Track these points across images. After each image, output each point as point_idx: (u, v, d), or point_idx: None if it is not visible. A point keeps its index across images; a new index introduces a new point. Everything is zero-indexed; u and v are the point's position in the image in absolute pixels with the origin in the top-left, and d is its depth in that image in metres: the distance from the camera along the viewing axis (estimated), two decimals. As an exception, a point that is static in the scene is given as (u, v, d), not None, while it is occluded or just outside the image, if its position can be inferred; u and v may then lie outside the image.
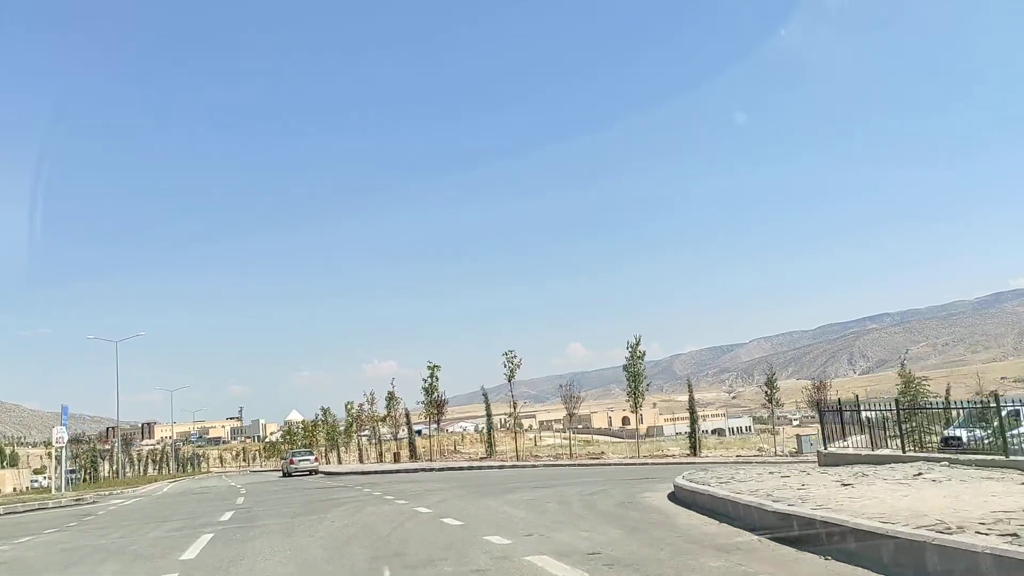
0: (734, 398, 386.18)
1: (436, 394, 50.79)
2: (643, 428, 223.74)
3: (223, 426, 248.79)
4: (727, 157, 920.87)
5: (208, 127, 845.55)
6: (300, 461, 45.14)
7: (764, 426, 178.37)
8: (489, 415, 49.65)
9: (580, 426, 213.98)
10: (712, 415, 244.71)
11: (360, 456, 65.32)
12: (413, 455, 54.00)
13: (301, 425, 74.91)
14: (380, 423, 58.13)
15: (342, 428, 63.77)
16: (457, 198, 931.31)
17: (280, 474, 47.46)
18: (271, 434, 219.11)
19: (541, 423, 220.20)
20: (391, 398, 56.26)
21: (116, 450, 52.58)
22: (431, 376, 51.05)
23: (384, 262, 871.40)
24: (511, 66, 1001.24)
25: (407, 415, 57.39)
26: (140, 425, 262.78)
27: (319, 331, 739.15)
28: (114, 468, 56.00)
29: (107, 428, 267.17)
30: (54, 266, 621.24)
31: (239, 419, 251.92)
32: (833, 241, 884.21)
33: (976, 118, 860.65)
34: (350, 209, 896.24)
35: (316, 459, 46.84)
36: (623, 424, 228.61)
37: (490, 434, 50.48)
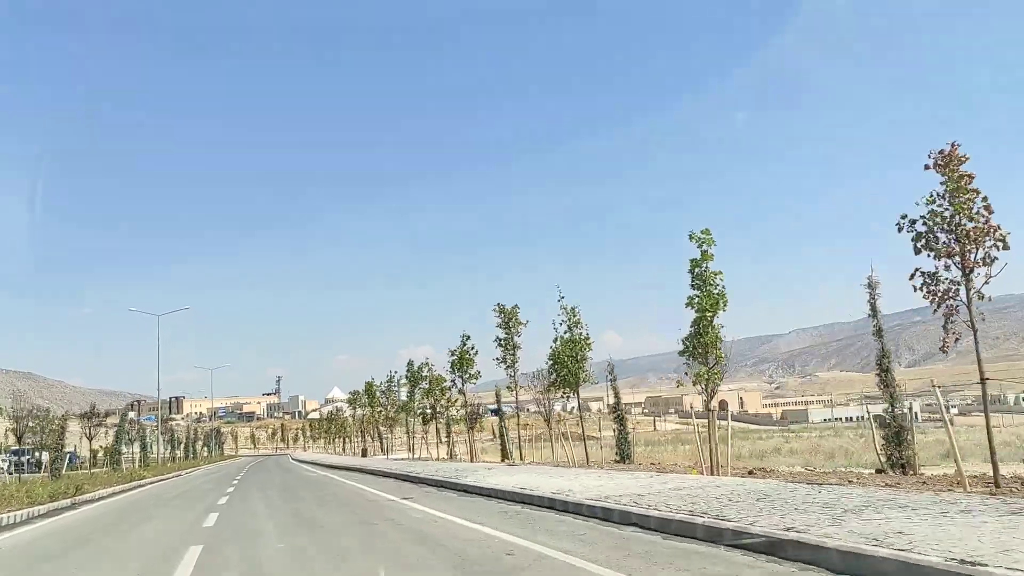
0: (777, 388, 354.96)
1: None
2: (761, 412, 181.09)
3: (259, 402, 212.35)
4: (764, 147, 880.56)
5: (267, 112, 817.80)
6: None
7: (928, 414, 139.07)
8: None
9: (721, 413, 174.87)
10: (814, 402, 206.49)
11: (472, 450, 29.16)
12: (626, 454, 21.08)
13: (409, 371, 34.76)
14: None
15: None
16: (492, 187, 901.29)
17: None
18: (311, 411, 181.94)
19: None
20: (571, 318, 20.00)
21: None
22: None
23: (418, 248, 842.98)
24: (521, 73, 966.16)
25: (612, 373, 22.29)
26: (168, 400, 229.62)
27: (357, 314, 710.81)
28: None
29: (130, 403, 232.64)
30: (98, 248, 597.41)
31: (276, 393, 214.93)
32: (874, 232, 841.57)
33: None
34: (384, 197, 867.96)
35: None
36: (721, 407, 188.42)
37: None
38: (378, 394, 42.82)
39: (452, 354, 27.56)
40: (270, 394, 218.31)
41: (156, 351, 50.97)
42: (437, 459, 32.70)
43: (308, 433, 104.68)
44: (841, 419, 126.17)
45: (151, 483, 29.10)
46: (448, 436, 34.32)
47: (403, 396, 41.26)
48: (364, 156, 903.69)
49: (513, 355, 23.41)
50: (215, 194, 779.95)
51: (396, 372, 41.02)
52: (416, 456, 36.22)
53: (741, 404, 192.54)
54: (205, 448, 77.46)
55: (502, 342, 23.64)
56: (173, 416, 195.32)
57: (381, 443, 50.54)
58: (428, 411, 32.04)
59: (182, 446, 62.16)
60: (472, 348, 27.40)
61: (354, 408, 55.20)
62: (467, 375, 27.23)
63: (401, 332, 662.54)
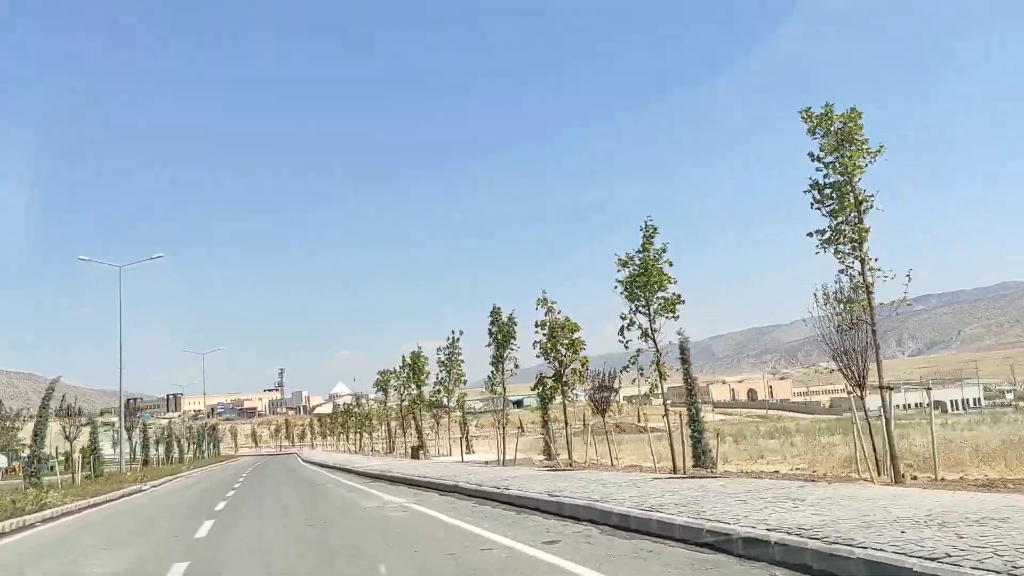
0: (782, 379, 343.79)
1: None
2: (810, 400, 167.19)
3: (260, 398, 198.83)
4: (758, 139, 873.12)
5: (262, 102, 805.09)
6: None
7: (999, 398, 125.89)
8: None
9: (725, 399, 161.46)
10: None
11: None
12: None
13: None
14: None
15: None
16: (487, 180, 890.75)
17: None
18: (316, 407, 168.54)
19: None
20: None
21: None
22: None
23: (420, 243, 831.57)
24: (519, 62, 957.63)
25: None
26: (167, 397, 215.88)
27: (357, 312, 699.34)
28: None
29: (127, 401, 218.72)
30: (97, 246, 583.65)
31: (279, 388, 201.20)
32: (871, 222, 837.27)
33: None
34: (380, 191, 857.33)
35: None
36: (750, 397, 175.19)
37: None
38: (434, 365, 28.90)
39: (623, 265, 13.80)
40: (272, 390, 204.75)
41: (122, 322, 37.64)
42: (554, 468, 18.99)
43: (316, 429, 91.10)
44: (899, 406, 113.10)
45: (60, 516, 15.50)
46: (546, 426, 20.91)
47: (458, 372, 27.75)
48: (364, 152, 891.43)
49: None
50: (214, 194, 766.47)
51: (460, 332, 27.40)
52: (510, 458, 22.28)
53: (771, 393, 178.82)
54: (197, 448, 63.68)
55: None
56: (169, 414, 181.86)
57: (421, 438, 36.76)
58: (549, 382, 18.05)
59: (163, 447, 48.54)
60: (663, 249, 13.73)
61: (384, 393, 40.84)
62: (657, 303, 13.45)
63: (402, 329, 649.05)
